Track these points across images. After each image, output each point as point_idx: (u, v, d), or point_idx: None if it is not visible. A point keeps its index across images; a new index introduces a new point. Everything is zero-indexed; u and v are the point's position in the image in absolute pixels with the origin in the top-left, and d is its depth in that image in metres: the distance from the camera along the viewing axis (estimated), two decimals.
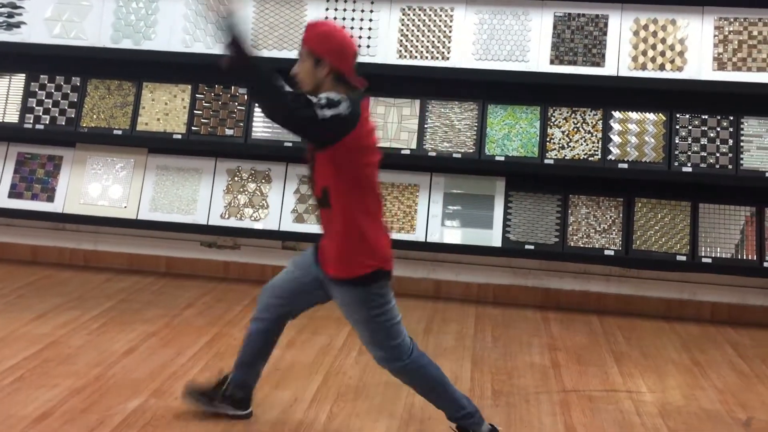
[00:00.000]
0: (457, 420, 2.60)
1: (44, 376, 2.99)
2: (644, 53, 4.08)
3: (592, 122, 4.17)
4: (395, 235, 4.21)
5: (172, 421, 2.69)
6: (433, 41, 4.19)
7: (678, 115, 4.13)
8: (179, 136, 4.33)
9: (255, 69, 2.26)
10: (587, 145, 4.14)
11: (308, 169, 2.49)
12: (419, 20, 4.22)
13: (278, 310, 2.63)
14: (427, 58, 4.18)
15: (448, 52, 4.18)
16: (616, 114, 4.17)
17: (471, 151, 4.18)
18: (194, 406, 2.73)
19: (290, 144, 4.16)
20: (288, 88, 2.29)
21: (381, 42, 4.21)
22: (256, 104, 2.22)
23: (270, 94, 2.25)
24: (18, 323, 3.54)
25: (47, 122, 4.41)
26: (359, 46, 4.22)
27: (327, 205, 2.42)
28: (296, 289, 2.58)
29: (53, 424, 2.62)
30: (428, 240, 4.20)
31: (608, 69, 4.07)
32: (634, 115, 4.17)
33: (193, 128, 4.34)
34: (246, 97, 2.22)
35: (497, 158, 4.16)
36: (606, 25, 4.12)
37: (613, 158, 4.12)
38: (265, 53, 4.22)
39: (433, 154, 4.19)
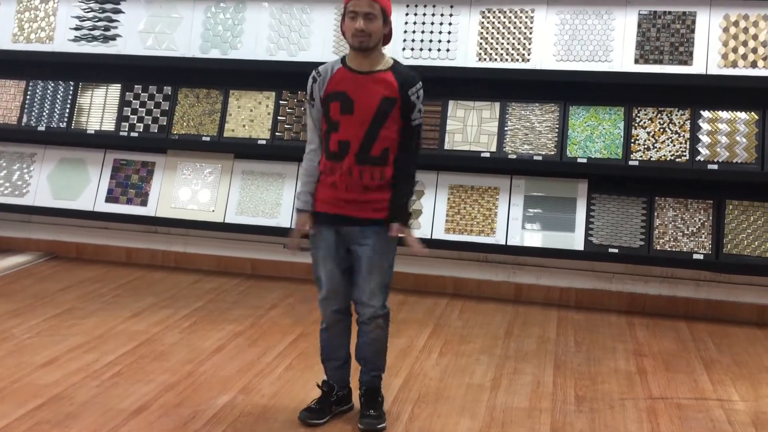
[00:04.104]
0: (379, 377, 2.79)
1: (140, 372, 3.14)
2: (735, 50, 3.94)
3: (679, 122, 4.06)
4: (475, 238, 4.22)
5: (259, 417, 2.78)
6: (513, 43, 4.17)
7: None
8: (264, 142, 4.46)
9: (408, 206, 2.71)
10: (674, 145, 4.03)
11: (355, 137, 2.59)
12: (499, 22, 4.21)
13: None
14: (507, 60, 4.17)
15: (529, 54, 4.15)
16: (705, 113, 4.04)
17: (552, 153, 4.13)
18: (315, 423, 2.74)
19: None
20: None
21: (460, 45, 4.22)
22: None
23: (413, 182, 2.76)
24: (116, 321, 3.73)
25: (141, 130, 4.63)
26: (439, 50, 4.25)
27: (384, 162, 2.63)
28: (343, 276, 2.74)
29: (149, 417, 2.75)
30: (508, 243, 4.18)
31: (696, 67, 3.95)
32: (724, 115, 4.03)
33: (276, 134, 4.47)
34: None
35: (579, 160, 4.09)
36: (694, 22, 3.99)
37: (702, 159, 3.99)
38: None
39: (514, 156, 4.17)
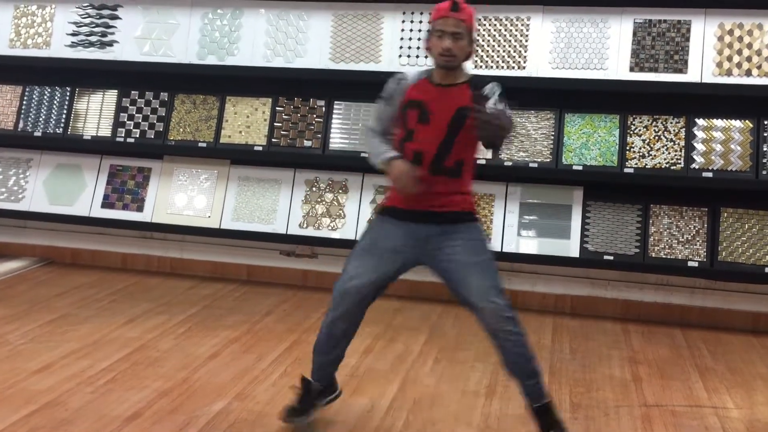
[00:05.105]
0: (538, 384, 2.63)
1: (134, 378, 3.13)
2: (729, 59, 3.96)
3: (674, 130, 4.07)
4: None
5: (254, 424, 2.78)
6: (509, 50, 4.19)
7: (766, 122, 3.99)
8: (260, 148, 4.47)
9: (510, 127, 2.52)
10: (669, 153, 4.04)
11: (430, 147, 2.53)
12: (495, 30, 4.22)
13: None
14: (502, 67, 4.18)
15: (524, 61, 4.16)
16: (700, 121, 4.06)
17: (548, 160, 4.15)
18: (299, 423, 2.75)
19: (366, 155, 4.23)
20: None
21: None
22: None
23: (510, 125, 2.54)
24: (111, 327, 3.72)
25: (137, 136, 4.63)
26: None
27: (457, 174, 2.58)
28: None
29: (143, 424, 2.74)
30: (504, 250, 4.18)
31: (691, 75, 3.97)
32: (719, 123, 4.04)
33: (273, 140, 4.47)
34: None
35: (575, 167, 4.11)
36: (689, 30, 4.01)
37: (696, 167, 4.01)
38: (343, 66, 4.33)
39: (509, 163, 4.18)
